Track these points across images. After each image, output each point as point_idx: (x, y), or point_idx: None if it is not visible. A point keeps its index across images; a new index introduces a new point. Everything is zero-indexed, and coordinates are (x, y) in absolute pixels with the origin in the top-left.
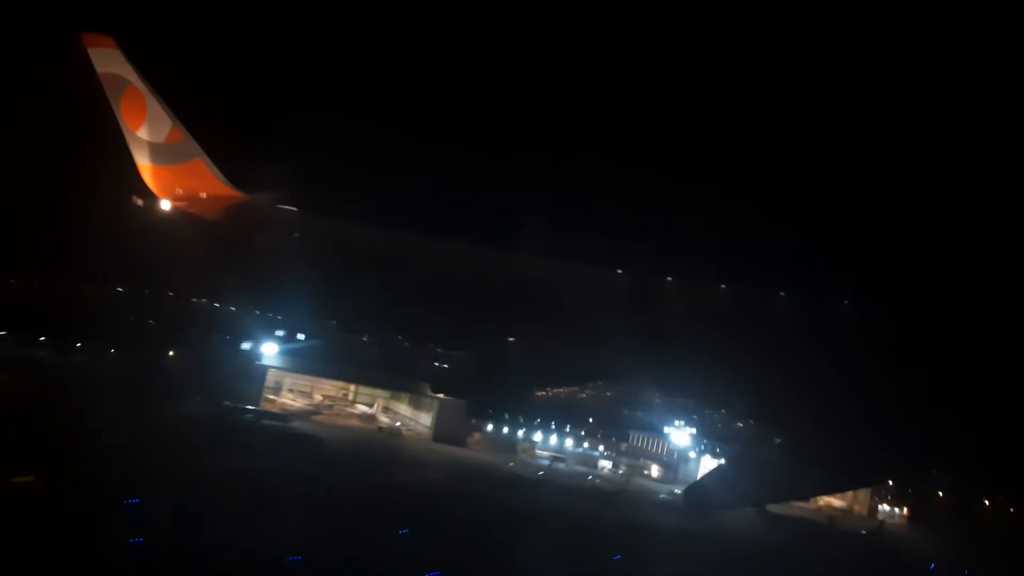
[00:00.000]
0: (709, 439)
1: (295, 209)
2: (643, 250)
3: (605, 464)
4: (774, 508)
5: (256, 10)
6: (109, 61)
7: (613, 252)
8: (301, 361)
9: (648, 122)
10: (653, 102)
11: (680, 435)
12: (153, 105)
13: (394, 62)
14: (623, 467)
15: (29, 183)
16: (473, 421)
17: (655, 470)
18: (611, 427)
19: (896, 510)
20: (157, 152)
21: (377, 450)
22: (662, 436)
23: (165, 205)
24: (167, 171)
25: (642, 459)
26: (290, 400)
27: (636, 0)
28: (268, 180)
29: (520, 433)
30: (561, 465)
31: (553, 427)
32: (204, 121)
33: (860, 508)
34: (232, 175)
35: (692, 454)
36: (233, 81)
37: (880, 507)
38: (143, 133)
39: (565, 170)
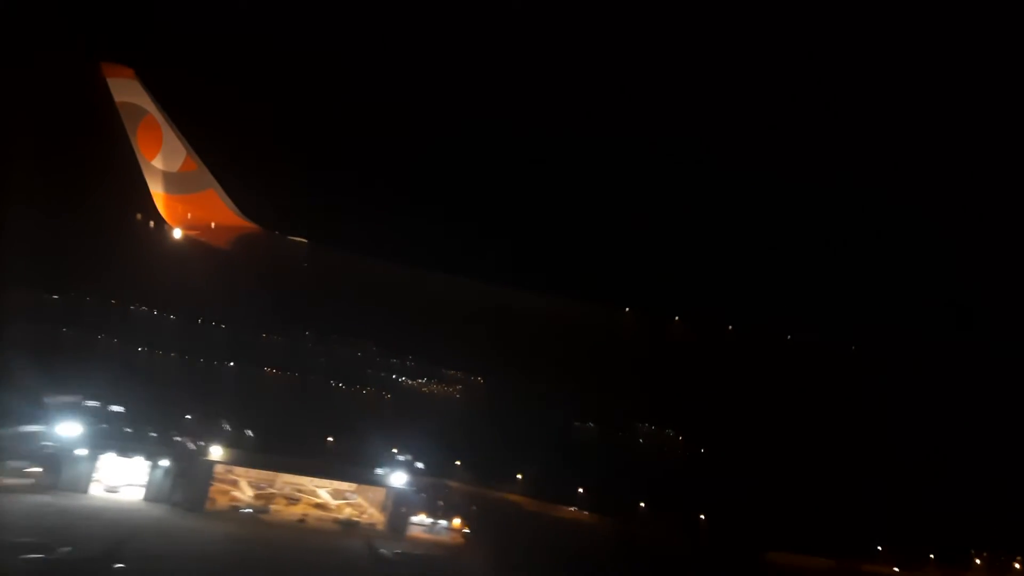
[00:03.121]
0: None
1: (304, 240)
2: None
3: None
4: None
5: (274, 41)
6: (128, 91)
7: None
8: None
9: None
10: None
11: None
12: (169, 135)
13: (410, 95)
14: None
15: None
16: None
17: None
18: None
19: (443, 522)
20: (171, 181)
21: None
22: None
23: (176, 233)
24: (179, 200)
25: None
26: None
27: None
28: (283, 210)
29: None
30: None
31: None
32: (221, 151)
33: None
34: (248, 205)
35: (83, 451)
36: (252, 112)
37: (416, 518)
38: (158, 162)
39: None
